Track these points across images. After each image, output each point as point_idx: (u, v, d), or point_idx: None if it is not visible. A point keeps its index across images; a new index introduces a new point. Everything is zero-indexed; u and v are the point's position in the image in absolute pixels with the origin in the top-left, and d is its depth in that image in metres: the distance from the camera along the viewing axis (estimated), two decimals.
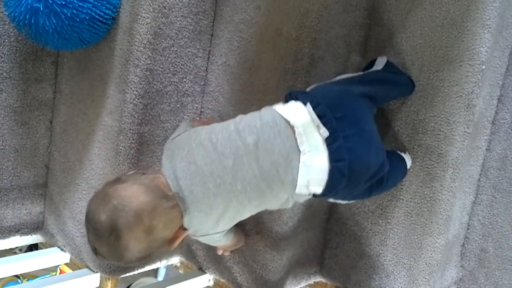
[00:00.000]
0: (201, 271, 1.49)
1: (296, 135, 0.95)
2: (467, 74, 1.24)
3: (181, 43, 1.37)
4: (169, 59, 1.35)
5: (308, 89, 1.09)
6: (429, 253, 1.31)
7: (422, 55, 1.30)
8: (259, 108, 1.34)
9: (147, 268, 1.49)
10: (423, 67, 1.30)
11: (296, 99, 1.01)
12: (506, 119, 1.44)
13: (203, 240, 1.08)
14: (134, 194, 0.94)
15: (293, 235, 1.37)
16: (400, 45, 1.34)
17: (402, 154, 1.31)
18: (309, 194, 0.99)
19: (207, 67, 1.46)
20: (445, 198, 1.28)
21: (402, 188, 1.34)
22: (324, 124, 0.95)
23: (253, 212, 1.05)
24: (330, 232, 1.49)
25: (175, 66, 1.38)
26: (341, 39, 1.32)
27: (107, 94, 1.35)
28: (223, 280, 1.46)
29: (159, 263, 1.50)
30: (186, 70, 1.41)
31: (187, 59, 1.40)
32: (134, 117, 1.31)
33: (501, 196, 1.45)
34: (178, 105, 1.42)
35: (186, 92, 1.43)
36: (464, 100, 1.24)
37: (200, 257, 1.49)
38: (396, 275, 1.36)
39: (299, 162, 0.94)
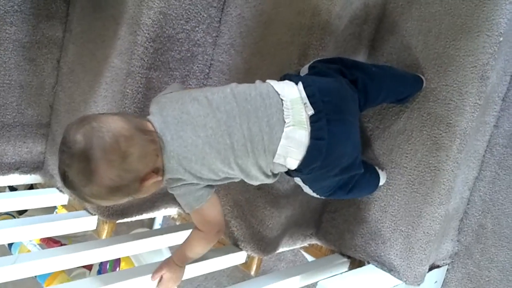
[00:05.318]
0: None
1: (283, 107, 1.00)
2: (484, 44, 1.22)
3: None
4: (183, 5, 1.33)
5: (301, 74, 1.14)
6: (428, 222, 1.30)
7: (440, 22, 1.28)
8: (270, 63, 1.33)
9: (144, 216, 1.49)
10: (440, 34, 1.28)
11: (290, 79, 1.06)
12: None
13: (180, 192, 1.05)
14: (114, 120, 0.94)
15: (293, 195, 1.36)
16: (419, 11, 1.32)
17: (379, 171, 1.33)
18: (285, 167, 1.03)
19: (220, 18, 1.44)
20: (449, 168, 1.27)
21: (407, 156, 1.33)
22: (311, 104, 1.00)
23: (236, 175, 1.05)
24: None
25: (189, 13, 1.35)
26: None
27: (118, 35, 1.33)
28: None
29: (156, 211, 1.50)
30: (199, 19, 1.39)
31: (201, 7, 1.38)
32: (144, 60, 1.30)
33: (505, 174, 1.44)
34: (189, 54, 1.40)
35: (198, 42, 1.41)
36: (478, 71, 1.23)
37: None
38: (393, 242, 1.36)
39: (282, 132, 0.99)
